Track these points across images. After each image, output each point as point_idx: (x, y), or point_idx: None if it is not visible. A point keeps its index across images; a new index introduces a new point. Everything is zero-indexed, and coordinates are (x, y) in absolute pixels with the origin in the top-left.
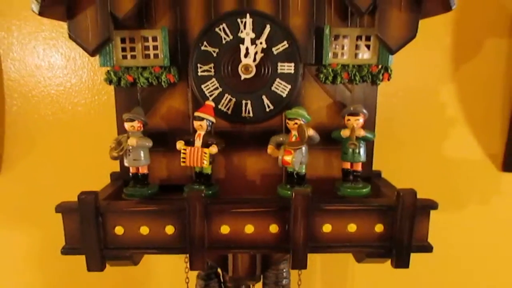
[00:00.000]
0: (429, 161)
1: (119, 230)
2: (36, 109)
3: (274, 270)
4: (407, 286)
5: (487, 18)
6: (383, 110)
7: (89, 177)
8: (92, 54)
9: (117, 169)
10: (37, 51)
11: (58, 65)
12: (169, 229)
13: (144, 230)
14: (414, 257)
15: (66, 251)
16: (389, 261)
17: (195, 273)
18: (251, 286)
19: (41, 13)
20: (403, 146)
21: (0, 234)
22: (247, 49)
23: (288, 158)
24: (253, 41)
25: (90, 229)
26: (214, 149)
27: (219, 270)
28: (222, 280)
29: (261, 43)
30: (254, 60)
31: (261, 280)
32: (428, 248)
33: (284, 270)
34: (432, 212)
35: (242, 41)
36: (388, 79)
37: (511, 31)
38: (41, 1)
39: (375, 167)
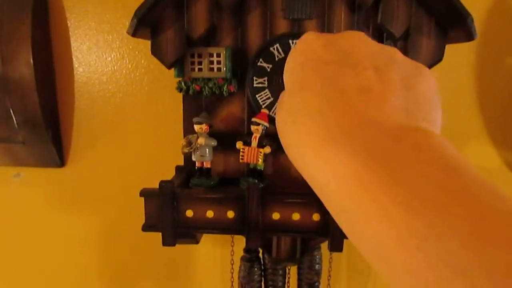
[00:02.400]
0: None
1: (189, 213)
2: (102, 109)
3: (309, 256)
4: None
5: (509, 37)
6: None
7: (148, 170)
8: (169, 68)
9: (177, 163)
10: (105, 58)
11: (123, 71)
12: (230, 214)
13: (210, 213)
14: None
15: (146, 228)
16: None
17: (238, 256)
18: (287, 269)
19: (133, 34)
20: None
21: (62, 220)
22: None
23: None
24: None
25: (167, 211)
26: (268, 149)
27: (260, 254)
28: (263, 262)
29: None
30: None
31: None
32: None
33: (317, 256)
34: None
35: None
36: None
37: None
38: (135, 26)
39: None
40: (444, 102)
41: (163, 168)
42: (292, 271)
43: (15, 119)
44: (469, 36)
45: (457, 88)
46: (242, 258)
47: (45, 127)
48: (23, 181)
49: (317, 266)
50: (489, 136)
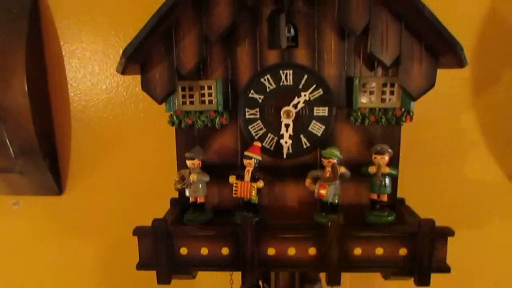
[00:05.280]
0: (452, 185)
1: (183, 250)
2: (98, 137)
3: None
4: None
5: (502, 52)
6: (407, 137)
7: (142, 198)
8: (159, 103)
9: (172, 191)
10: (100, 86)
11: (118, 98)
12: (225, 250)
13: (204, 250)
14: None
15: (140, 267)
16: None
17: (238, 284)
18: None
19: (123, 73)
20: (427, 171)
21: (60, 246)
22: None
23: (323, 191)
24: (299, 93)
25: (161, 249)
26: (261, 183)
27: (260, 282)
28: None
29: (305, 95)
30: (296, 107)
31: None
32: (446, 269)
33: None
34: (458, 232)
35: (283, 88)
36: (410, 120)
37: None
38: (124, 64)
39: (401, 191)
40: (445, 118)
41: (158, 195)
42: None
43: (12, 149)
44: (459, 63)
45: (456, 104)
46: None
47: (42, 156)
48: (21, 209)
49: None
50: (490, 150)
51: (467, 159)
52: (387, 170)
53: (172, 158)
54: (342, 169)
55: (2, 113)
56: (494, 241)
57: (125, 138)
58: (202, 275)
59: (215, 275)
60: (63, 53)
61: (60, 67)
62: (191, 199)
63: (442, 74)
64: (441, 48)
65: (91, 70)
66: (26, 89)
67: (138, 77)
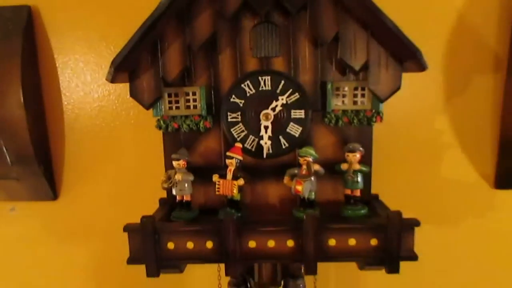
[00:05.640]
0: (427, 183)
1: (170, 245)
2: (91, 144)
3: (293, 284)
4: None
5: (474, 57)
6: (384, 138)
7: (135, 202)
8: (147, 108)
9: (162, 194)
10: (92, 95)
11: (109, 106)
12: (209, 244)
13: (190, 245)
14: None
15: (130, 261)
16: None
17: (226, 281)
18: None
19: (112, 81)
20: (402, 169)
21: (55, 250)
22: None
23: (299, 187)
24: (277, 97)
25: (149, 244)
26: (241, 181)
27: (246, 278)
28: (249, 286)
29: (282, 99)
30: (274, 110)
31: None
32: (413, 257)
33: (301, 285)
34: (433, 228)
35: (262, 93)
36: (381, 121)
37: (494, 68)
38: (113, 73)
39: (377, 189)
40: (420, 121)
41: (149, 199)
42: None
43: (8, 157)
44: (420, 67)
45: (431, 107)
46: (229, 284)
47: (38, 163)
48: (18, 214)
49: None
50: (462, 150)
51: (441, 159)
52: (357, 167)
53: (162, 163)
54: (316, 167)
55: None
56: (464, 236)
57: (116, 144)
58: (191, 272)
59: (203, 273)
60: (57, 65)
61: (54, 77)
62: (178, 198)
63: (418, 78)
64: (403, 54)
65: (84, 79)
66: (22, 101)
67: (128, 86)
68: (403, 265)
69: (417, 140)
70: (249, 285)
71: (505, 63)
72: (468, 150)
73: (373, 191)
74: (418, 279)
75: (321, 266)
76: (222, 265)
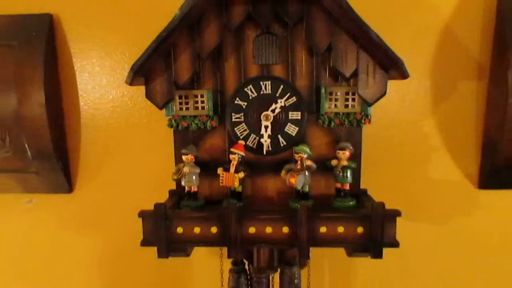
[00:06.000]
0: (414, 182)
1: (179, 229)
2: (105, 141)
3: (288, 272)
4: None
5: (459, 65)
6: (375, 139)
7: (146, 195)
8: (160, 109)
9: (171, 187)
10: (107, 96)
11: (123, 107)
12: (214, 229)
13: (197, 230)
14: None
15: (143, 243)
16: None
17: (227, 269)
18: (270, 279)
19: (130, 84)
20: (391, 169)
21: (70, 239)
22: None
23: (292, 180)
24: (276, 100)
25: (161, 228)
26: (242, 174)
27: (246, 267)
28: (249, 274)
29: (281, 102)
30: (274, 112)
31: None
32: (395, 244)
33: (296, 272)
34: (419, 225)
35: (263, 96)
36: (369, 123)
37: (478, 76)
38: (132, 77)
39: (366, 186)
40: (408, 123)
41: (158, 192)
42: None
43: (30, 152)
44: (402, 75)
45: (419, 110)
46: (230, 270)
47: (56, 158)
48: (35, 206)
49: (296, 281)
50: (449, 151)
51: (428, 159)
52: (346, 163)
53: (170, 159)
54: (309, 162)
55: (22, 121)
56: (448, 232)
57: (129, 142)
58: (195, 261)
59: (207, 261)
60: (75, 68)
61: (72, 80)
62: (186, 189)
63: (407, 85)
64: (388, 63)
65: (100, 82)
66: (44, 101)
67: (140, 88)
68: (386, 256)
69: (406, 142)
70: (248, 272)
71: (488, 71)
72: (453, 152)
73: (363, 188)
74: (403, 272)
75: (315, 256)
76: (225, 252)
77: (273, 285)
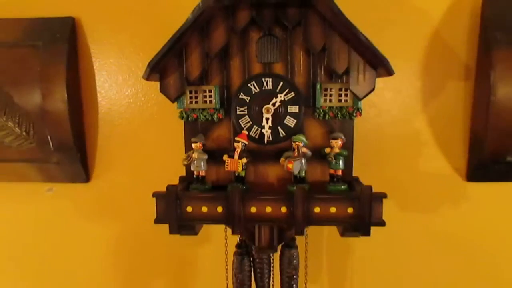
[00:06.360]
0: (406, 175)
1: (189, 209)
2: (121, 134)
3: (287, 253)
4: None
5: (447, 66)
6: (369, 134)
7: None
8: (173, 102)
9: (181, 174)
10: (123, 93)
11: (137, 103)
12: (219, 209)
13: (204, 209)
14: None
15: (156, 221)
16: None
17: (231, 252)
18: (271, 260)
19: (147, 79)
20: (384, 163)
21: (87, 225)
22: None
23: (289, 165)
24: (276, 95)
25: (172, 208)
26: (244, 160)
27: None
28: (251, 256)
29: (281, 97)
30: (274, 105)
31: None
32: (382, 223)
33: (295, 254)
34: (410, 215)
35: (265, 92)
36: (360, 116)
37: (465, 76)
38: (148, 73)
39: (359, 174)
40: (400, 120)
41: (170, 181)
42: (275, 267)
43: (52, 144)
44: (388, 73)
45: (411, 108)
46: (234, 253)
47: (76, 150)
48: (54, 194)
49: (294, 262)
50: (439, 147)
51: (419, 153)
52: (338, 151)
53: (180, 149)
54: (304, 150)
55: (46, 116)
56: (438, 223)
57: (142, 135)
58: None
59: (212, 243)
60: (94, 67)
61: (91, 78)
62: (195, 173)
63: (399, 84)
64: (375, 62)
65: (116, 80)
66: (65, 97)
67: (153, 86)
68: (378, 246)
69: (398, 137)
70: (251, 255)
71: (474, 72)
72: (443, 146)
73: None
74: (392, 260)
75: (312, 239)
76: (229, 236)
77: (273, 266)
